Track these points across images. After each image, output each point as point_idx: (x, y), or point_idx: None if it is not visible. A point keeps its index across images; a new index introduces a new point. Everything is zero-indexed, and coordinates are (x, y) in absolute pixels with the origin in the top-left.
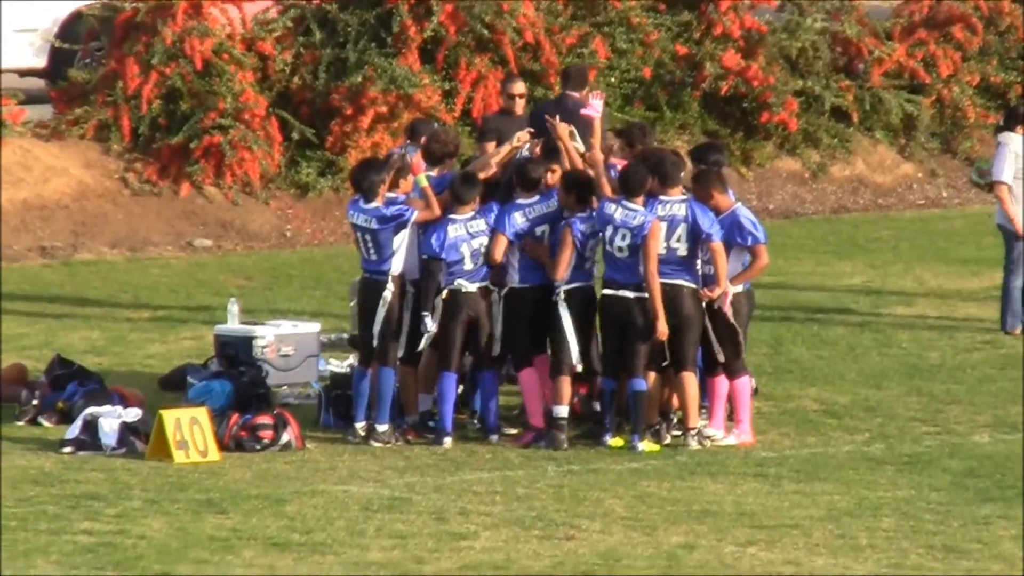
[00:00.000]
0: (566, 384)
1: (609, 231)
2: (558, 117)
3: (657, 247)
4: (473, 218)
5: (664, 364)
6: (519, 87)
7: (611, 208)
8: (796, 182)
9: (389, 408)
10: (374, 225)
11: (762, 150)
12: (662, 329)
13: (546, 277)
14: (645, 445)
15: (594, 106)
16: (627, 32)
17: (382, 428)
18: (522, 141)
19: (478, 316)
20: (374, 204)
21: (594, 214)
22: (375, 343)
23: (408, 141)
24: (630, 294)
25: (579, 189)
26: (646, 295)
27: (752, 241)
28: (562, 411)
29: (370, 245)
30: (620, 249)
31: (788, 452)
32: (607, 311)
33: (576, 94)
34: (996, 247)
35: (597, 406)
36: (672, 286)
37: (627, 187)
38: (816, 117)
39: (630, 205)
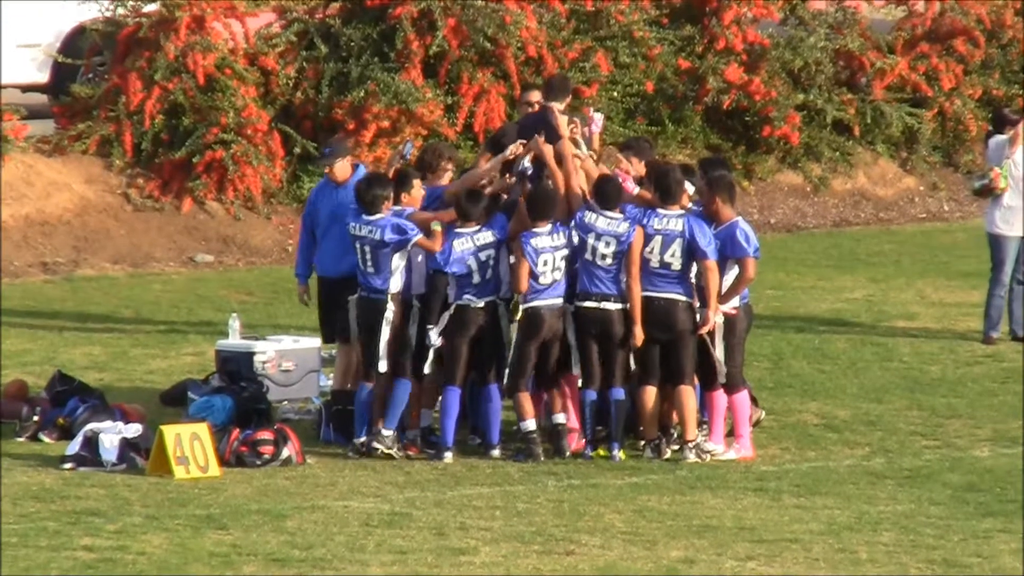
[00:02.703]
0: (526, 400)
1: (591, 239)
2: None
3: (640, 254)
4: (479, 231)
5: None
6: (536, 95)
7: (591, 217)
8: (798, 196)
9: (397, 419)
10: (378, 236)
11: (764, 164)
12: (639, 335)
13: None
14: (623, 454)
15: (595, 120)
16: (630, 46)
17: (387, 432)
18: (514, 152)
19: (484, 331)
20: (379, 215)
21: (558, 228)
22: (385, 361)
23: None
24: (611, 306)
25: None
26: (627, 305)
27: (740, 253)
28: (530, 425)
29: (368, 258)
30: (603, 257)
31: (788, 466)
32: (586, 324)
33: (559, 104)
34: None
35: (558, 418)
36: (667, 300)
37: (603, 199)
38: (818, 131)
39: (610, 214)
